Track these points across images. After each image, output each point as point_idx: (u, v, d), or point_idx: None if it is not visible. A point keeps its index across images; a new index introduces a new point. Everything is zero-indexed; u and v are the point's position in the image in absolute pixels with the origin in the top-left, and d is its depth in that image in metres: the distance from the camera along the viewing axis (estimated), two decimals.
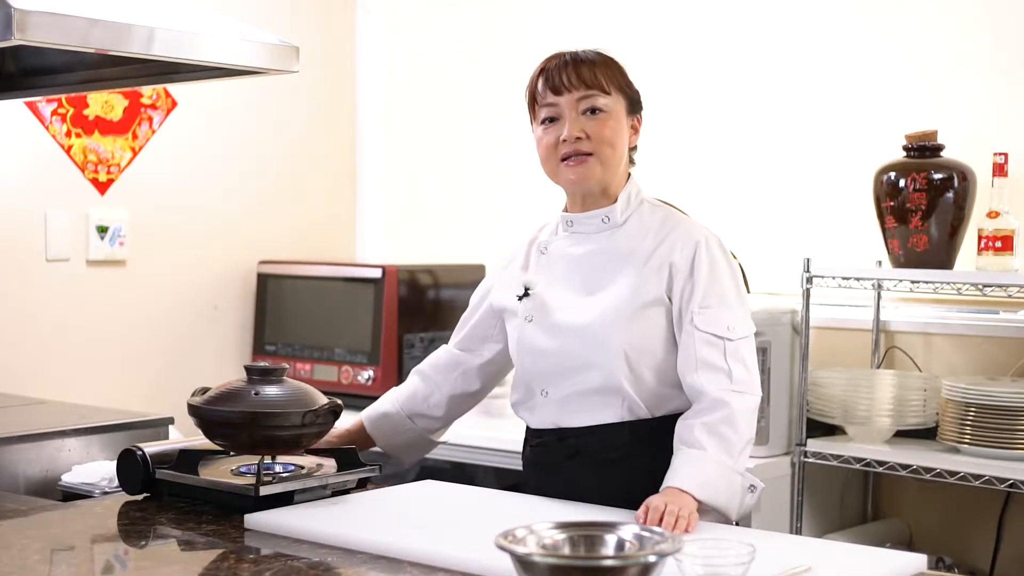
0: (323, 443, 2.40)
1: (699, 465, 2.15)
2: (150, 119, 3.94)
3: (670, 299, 2.28)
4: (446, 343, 2.63)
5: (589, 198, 2.35)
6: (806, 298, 3.30)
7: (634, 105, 2.36)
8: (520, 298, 2.38)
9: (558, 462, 2.34)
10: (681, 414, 2.26)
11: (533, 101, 2.35)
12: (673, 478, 2.15)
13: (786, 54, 3.73)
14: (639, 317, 2.26)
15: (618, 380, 2.26)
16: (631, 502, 2.14)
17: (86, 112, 3.78)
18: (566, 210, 2.40)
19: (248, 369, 2.31)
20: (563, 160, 2.30)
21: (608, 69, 2.32)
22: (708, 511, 2.14)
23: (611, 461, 2.29)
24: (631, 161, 2.40)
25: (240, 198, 4.23)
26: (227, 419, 2.23)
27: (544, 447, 2.37)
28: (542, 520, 1.69)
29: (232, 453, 2.36)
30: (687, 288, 2.26)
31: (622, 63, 2.37)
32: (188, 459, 2.32)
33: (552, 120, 2.31)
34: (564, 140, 2.29)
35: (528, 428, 2.43)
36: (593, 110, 2.29)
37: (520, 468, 2.49)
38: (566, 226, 2.39)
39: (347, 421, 2.50)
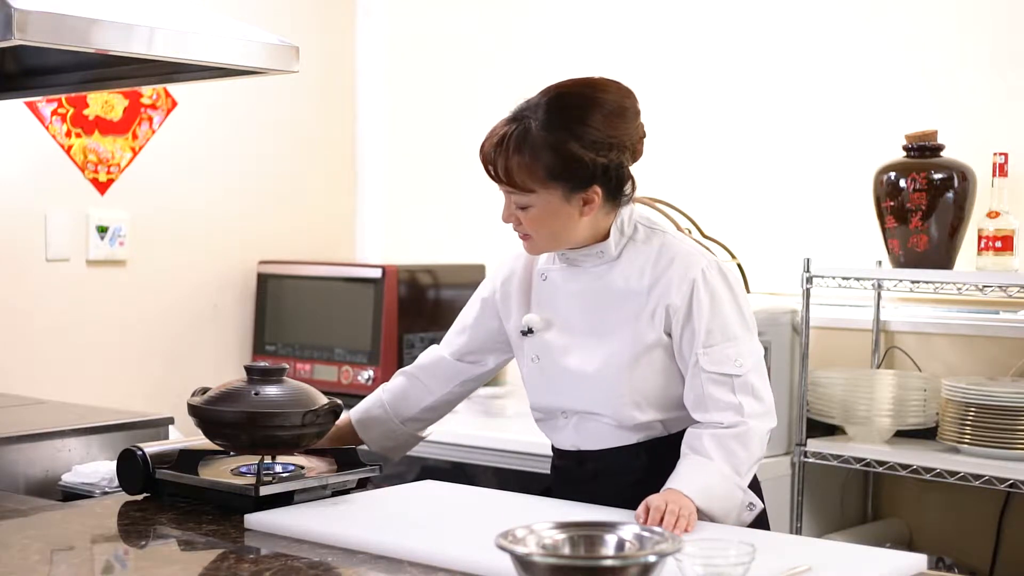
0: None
1: (703, 472, 2.15)
2: (150, 119, 3.94)
3: (669, 335, 2.24)
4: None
5: None
6: (806, 298, 3.30)
7: (579, 183, 2.18)
8: (524, 334, 2.35)
9: (580, 482, 2.34)
10: None
11: None
12: (675, 480, 2.15)
13: (786, 55, 3.73)
14: (639, 363, 2.24)
15: (627, 419, 2.25)
16: None
17: (86, 112, 3.78)
18: None
19: (248, 369, 2.31)
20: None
21: (532, 161, 2.17)
22: (703, 519, 2.13)
23: (630, 483, 2.27)
24: (618, 203, 2.27)
25: (240, 198, 4.23)
26: (227, 419, 2.23)
27: (566, 469, 2.37)
28: (542, 520, 1.69)
29: (232, 453, 2.36)
30: (687, 329, 2.22)
31: (575, 127, 2.16)
32: (188, 459, 2.32)
33: None
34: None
35: (552, 446, 2.42)
36: (519, 205, 2.23)
37: (523, 469, 2.49)
38: (561, 256, 2.32)
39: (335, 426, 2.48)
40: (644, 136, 2.27)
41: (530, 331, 2.34)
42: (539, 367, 2.33)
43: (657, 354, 2.24)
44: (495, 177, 2.23)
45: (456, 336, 2.52)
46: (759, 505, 2.24)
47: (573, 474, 2.35)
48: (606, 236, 2.26)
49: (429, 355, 2.56)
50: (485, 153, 2.25)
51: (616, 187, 2.24)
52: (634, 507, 2.17)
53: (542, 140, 2.17)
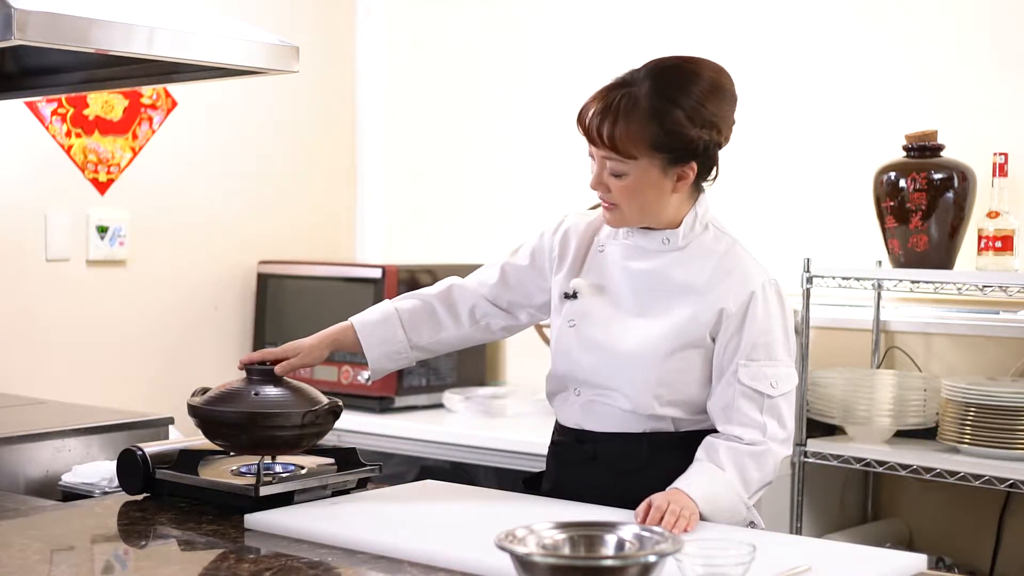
0: (309, 350, 2.40)
1: (712, 480, 2.15)
2: (150, 119, 3.94)
3: (713, 340, 2.22)
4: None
5: None
6: (806, 298, 3.30)
7: (680, 156, 2.18)
8: (567, 296, 2.34)
9: (576, 464, 2.33)
10: (703, 431, 2.24)
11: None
12: (683, 481, 2.14)
13: (786, 54, 3.73)
14: (676, 356, 2.22)
15: (642, 407, 2.24)
16: None
17: (86, 112, 3.78)
18: None
19: (248, 369, 2.31)
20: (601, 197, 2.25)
21: (639, 128, 2.15)
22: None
23: (628, 471, 2.26)
24: (699, 188, 2.27)
25: (240, 198, 4.23)
26: (227, 419, 2.24)
27: (565, 446, 2.36)
28: (542, 520, 1.69)
29: (232, 453, 2.36)
30: (735, 338, 2.20)
31: (683, 100, 2.17)
32: (188, 459, 2.32)
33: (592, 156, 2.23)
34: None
35: (556, 422, 2.40)
36: (615, 173, 2.19)
37: (523, 469, 2.48)
38: (626, 233, 2.29)
39: (332, 329, 2.45)
40: (735, 123, 2.28)
41: (574, 295, 2.32)
42: (574, 332, 2.30)
43: (693, 353, 2.23)
44: (598, 142, 2.18)
45: (497, 283, 2.46)
46: (760, 525, 2.23)
47: (571, 454, 2.34)
48: (679, 224, 2.25)
49: (459, 291, 2.48)
50: (587, 119, 2.19)
51: (707, 168, 2.24)
52: (627, 497, 2.18)
53: (650, 109, 2.16)
